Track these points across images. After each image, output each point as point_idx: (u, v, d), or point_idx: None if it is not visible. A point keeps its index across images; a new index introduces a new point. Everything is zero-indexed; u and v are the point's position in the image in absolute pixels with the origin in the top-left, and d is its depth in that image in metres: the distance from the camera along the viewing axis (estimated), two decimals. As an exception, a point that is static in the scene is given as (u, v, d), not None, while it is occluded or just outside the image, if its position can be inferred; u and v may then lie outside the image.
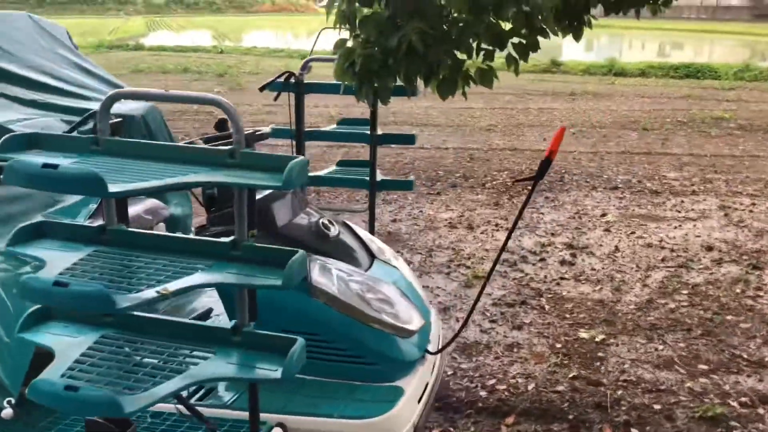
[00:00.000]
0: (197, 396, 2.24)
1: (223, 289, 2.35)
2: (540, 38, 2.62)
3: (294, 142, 3.25)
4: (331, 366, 2.33)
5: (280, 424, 2.14)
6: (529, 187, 2.38)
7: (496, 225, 6.39)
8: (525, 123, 11.57)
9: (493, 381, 3.76)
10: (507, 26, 2.51)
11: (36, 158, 1.57)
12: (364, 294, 2.34)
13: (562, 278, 5.19)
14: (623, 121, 11.63)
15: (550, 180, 7.91)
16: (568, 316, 4.57)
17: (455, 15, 2.50)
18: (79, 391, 1.38)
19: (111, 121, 1.91)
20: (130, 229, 1.73)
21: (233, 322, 1.71)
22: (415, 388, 2.37)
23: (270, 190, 2.55)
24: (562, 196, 7.36)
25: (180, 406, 2.00)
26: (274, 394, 2.27)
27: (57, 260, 1.56)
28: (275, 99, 3.22)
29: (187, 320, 1.73)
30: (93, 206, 2.60)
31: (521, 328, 4.38)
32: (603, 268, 5.37)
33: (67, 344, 1.62)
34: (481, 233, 6.17)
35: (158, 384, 1.48)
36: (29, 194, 2.46)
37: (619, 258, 5.60)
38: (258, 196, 2.50)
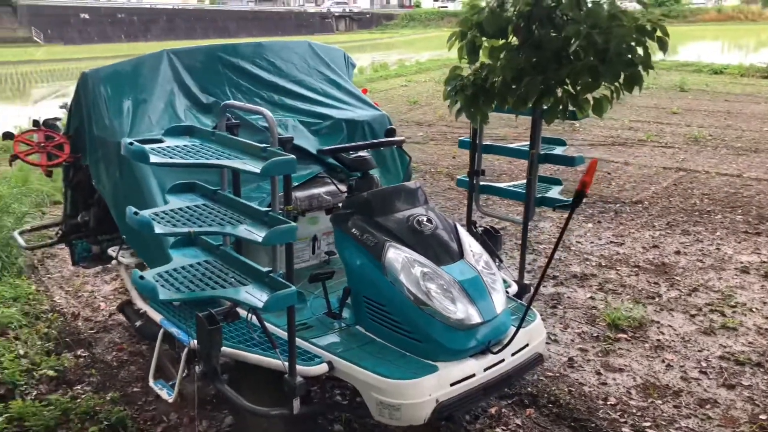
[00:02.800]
0: (300, 328, 2.97)
1: (345, 263, 3.04)
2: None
3: (470, 153, 3.70)
4: (390, 334, 2.82)
5: (329, 362, 2.76)
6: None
7: (804, 280, 5.42)
8: None
9: (648, 424, 3.56)
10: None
11: (180, 141, 2.56)
12: (425, 282, 2.75)
13: (841, 353, 4.27)
14: None
15: None
16: (808, 393, 3.84)
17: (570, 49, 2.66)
18: (143, 281, 2.30)
19: (228, 122, 2.81)
20: (226, 194, 2.59)
21: (269, 268, 2.43)
22: (453, 372, 2.68)
23: (389, 186, 3.15)
24: None
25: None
26: (345, 343, 2.90)
27: (175, 203, 2.52)
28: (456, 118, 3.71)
29: (247, 261, 2.50)
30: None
31: (732, 388, 3.90)
32: None
33: (183, 259, 2.58)
34: (776, 285, 5.34)
35: (192, 290, 2.31)
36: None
37: None
38: (374, 190, 3.13)
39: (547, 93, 2.67)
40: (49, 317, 4.89)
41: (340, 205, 3.45)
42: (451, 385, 2.67)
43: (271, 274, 2.38)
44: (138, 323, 3.40)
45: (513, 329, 2.90)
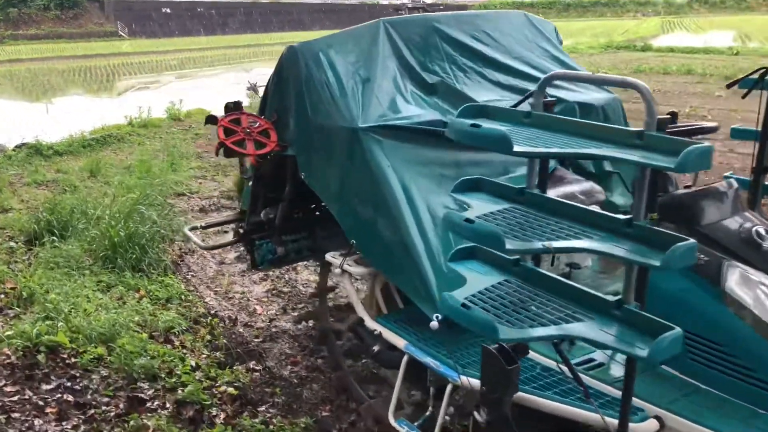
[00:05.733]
0: (586, 366, 2.38)
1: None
2: None
3: (757, 144, 2.96)
4: (729, 382, 2.15)
5: (657, 417, 2.11)
6: None
7: None
8: None
9: None
10: None
11: (486, 125, 1.96)
12: (788, 316, 2.07)
13: None
14: None
15: None
16: None
17: None
18: (470, 311, 1.71)
19: (544, 100, 2.19)
20: (538, 194, 1.98)
21: (618, 297, 1.80)
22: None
23: (703, 186, 2.47)
24: None
25: (564, 367, 2.17)
26: (661, 389, 2.25)
27: (479, 207, 1.93)
28: (743, 97, 2.98)
29: (576, 285, 1.89)
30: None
31: None
32: None
33: (478, 277, 1.99)
34: None
35: (533, 326, 1.70)
36: (489, 161, 2.96)
37: None
38: (688, 191, 2.45)
39: None
40: (208, 322, 4.44)
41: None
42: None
43: (625, 306, 1.75)
44: (375, 348, 2.84)
45: None
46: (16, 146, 9.46)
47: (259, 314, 4.74)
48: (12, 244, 5.43)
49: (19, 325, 3.66)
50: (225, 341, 4.14)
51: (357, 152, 2.73)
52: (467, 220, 1.76)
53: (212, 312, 4.69)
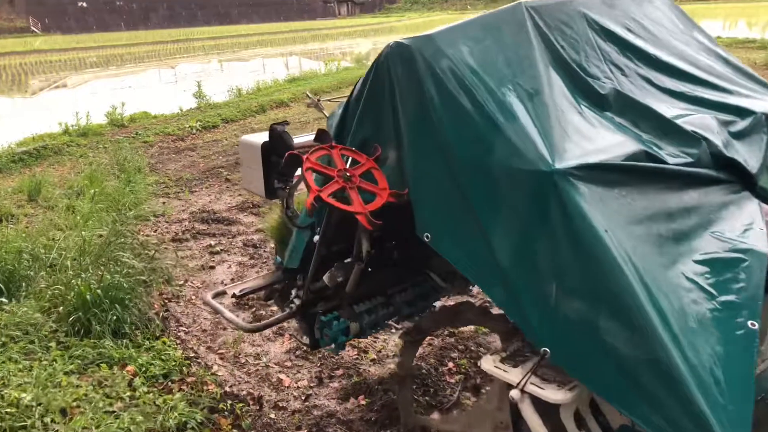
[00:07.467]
0: None
1: None
2: None
3: None
4: None
5: None
6: None
7: None
8: None
9: None
10: None
11: None
12: None
13: None
14: None
15: None
16: None
17: None
18: None
19: None
20: None
21: None
22: None
23: None
24: None
25: None
26: None
27: None
28: None
29: None
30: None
31: None
32: None
33: None
34: None
35: None
36: (697, 206, 2.05)
37: None
38: None
39: None
40: (229, 409, 3.36)
41: None
42: None
43: None
44: None
45: None
46: (-72, 164, 7.92)
47: (287, 387, 3.68)
48: (-59, 306, 4.13)
49: (-26, 458, 2.49)
50: (260, 440, 3.08)
51: (552, 209, 1.72)
52: None
53: (227, 388, 3.60)
